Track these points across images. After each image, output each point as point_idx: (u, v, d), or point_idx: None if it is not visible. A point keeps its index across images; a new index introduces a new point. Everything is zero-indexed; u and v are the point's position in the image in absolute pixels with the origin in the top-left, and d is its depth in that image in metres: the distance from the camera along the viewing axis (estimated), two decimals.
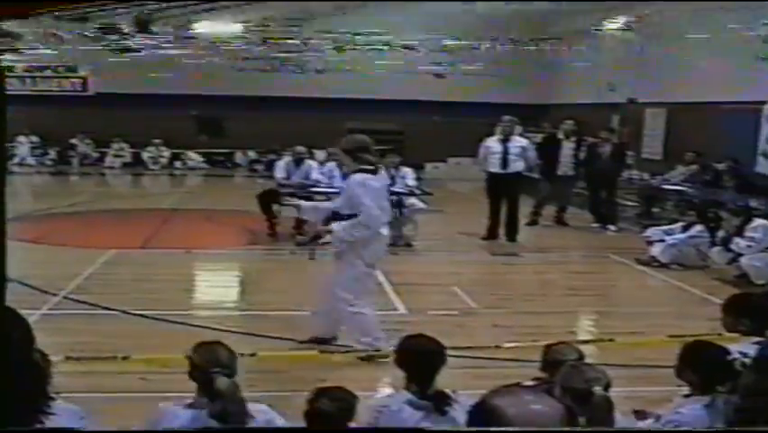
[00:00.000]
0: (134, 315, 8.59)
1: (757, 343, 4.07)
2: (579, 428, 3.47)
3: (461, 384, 4.39)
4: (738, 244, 11.24)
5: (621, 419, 4.16)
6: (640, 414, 4.63)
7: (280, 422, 4.08)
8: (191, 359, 4.07)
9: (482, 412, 1.91)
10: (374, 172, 7.40)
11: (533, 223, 15.89)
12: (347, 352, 7.24)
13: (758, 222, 11.41)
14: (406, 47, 22.13)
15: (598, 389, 3.64)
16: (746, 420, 2.07)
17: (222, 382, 3.84)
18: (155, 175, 24.92)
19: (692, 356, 4.25)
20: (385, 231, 7.57)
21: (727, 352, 4.07)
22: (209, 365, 3.95)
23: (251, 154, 26.09)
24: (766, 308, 5.23)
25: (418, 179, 14.80)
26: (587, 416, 3.46)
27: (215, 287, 10.97)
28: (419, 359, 4.39)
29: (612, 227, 15.69)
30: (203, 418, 3.85)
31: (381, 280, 10.56)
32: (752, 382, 2.07)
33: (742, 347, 4.23)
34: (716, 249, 11.78)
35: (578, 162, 16.44)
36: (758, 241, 11.12)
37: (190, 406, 3.96)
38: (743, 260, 11.15)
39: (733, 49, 15.26)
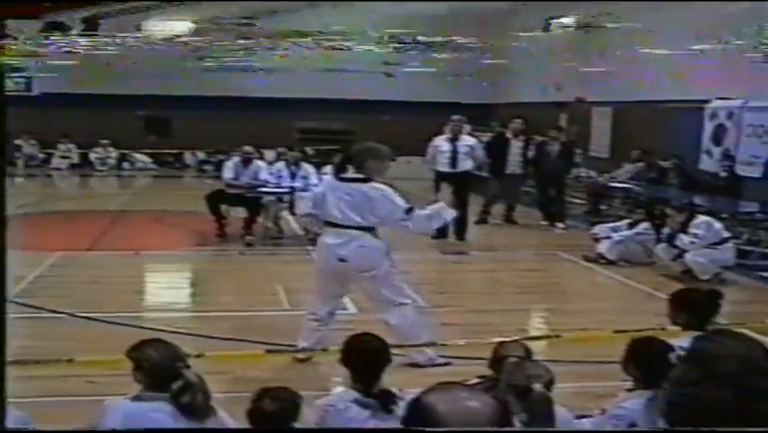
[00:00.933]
0: (82, 318, 8.51)
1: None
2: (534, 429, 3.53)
3: (410, 383, 4.40)
4: (682, 240, 11.40)
5: (565, 414, 4.22)
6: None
7: (231, 421, 4.10)
8: (144, 358, 4.08)
9: (416, 409, 1.93)
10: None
11: (482, 221, 15.98)
12: (295, 351, 7.24)
13: (701, 219, 11.58)
14: (354, 46, 22.13)
15: (537, 386, 3.69)
16: (675, 412, 2.11)
17: (192, 374, 3.95)
18: (103, 176, 24.67)
19: (635, 351, 4.33)
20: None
21: (670, 347, 4.14)
22: (172, 361, 4.03)
23: (200, 155, 25.92)
24: (704, 303, 5.35)
25: None
26: (527, 412, 3.52)
27: (164, 288, 10.91)
28: (364, 358, 4.43)
29: (560, 225, 15.83)
30: (154, 408, 3.87)
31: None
32: (680, 373, 2.11)
33: (682, 342, 4.31)
34: (661, 246, 11.94)
35: (526, 161, 16.56)
36: (701, 237, 11.29)
37: (136, 399, 3.98)
38: (687, 256, 11.31)
39: (678, 48, 15.48)
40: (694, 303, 5.35)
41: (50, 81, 23.80)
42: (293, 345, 7.41)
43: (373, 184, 7.21)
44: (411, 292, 7.70)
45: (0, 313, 2.04)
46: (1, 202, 1.99)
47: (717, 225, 11.58)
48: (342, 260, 7.06)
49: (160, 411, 3.88)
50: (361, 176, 7.22)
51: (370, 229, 7.16)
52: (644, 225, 12.65)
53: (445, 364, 7.21)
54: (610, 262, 12.27)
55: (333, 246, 7.10)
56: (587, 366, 6.76)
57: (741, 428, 1.97)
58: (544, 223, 16.12)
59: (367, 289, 7.40)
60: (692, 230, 11.34)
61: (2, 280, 1.99)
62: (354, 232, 7.08)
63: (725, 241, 11.45)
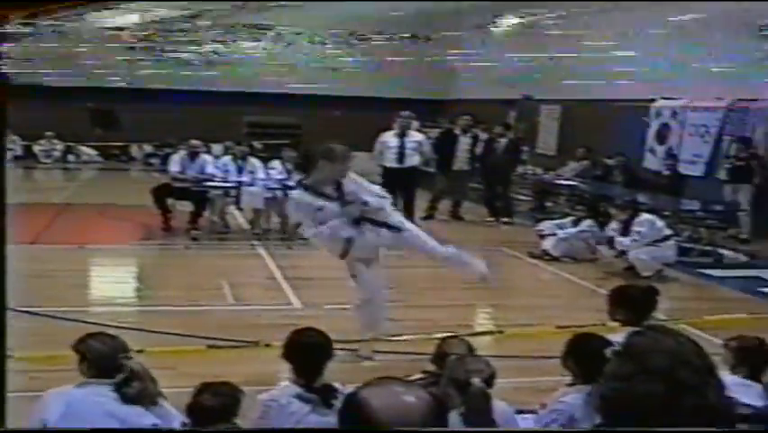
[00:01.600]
0: (23, 312, 8.39)
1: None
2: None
3: (350, 378, 4.42)
4: (621, 243, 11.51)
5: (506, 409, 4.27)
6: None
7: (175, 412, 4.09)
8: (89, 350, 4.11)
9: (350, 403, 1.95)
10: None
11: (429, 217, 16.03)
12: (238, 347, 7.24)
13: (644, 216, 11.73)
14: (305, 41, 22.13)
15: (476, 380, 3.73)
16: (607, 406, 2.15)
17: (135, 364, 4.01)
18: (47, 169, 24.33)
19: (574, 347, 4.40)
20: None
21: (608, 342, 4.20)
22: (115, 352, 4.06)
23: (147, 148, 25.65)
24: (641, 300, 5.45)
25: None
26: (465, 406, 3.56)
27: (108, 283, 10.79)
28: (306, 353, 4.44)
29: (506, 221, 15.96)
30: (97, 393, 3.88)
31: (276, 275, 10.59)
32: (613, 368, 2.16)
33: (620, 337, 4.38)
34: (602, 246, 12.08)
35: (473, 157, 16.65)
36: (644, 235, 11.43)
37: (81, 386, 3.98)
38: (630, 253, 11.45)
39: (625, 48, 15.71)
40: (632, 300, 5.44)
41: None
42: (238, 341, 7.41)
43: None
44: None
45: (0, 314, 2.03)
46: (1, 202, 1.98)
47: (660, 222, 11.74)
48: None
49: (104, 396, 3.88)
50: None
51: None
52: (588, 223, 12.80)
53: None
54: (555, 259, 12.40)
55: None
56: (529, 361, 6.84)
57: (685, 429, 2.02)
58: (489, 219, 16.23)
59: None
60: (635, 228, 11.48)
61: (2, 280, 1.99)
62: None
63: (666, 238, 11.61)
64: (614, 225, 11.89)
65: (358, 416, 1.90)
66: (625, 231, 11.60)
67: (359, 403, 1.91)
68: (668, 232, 11.74)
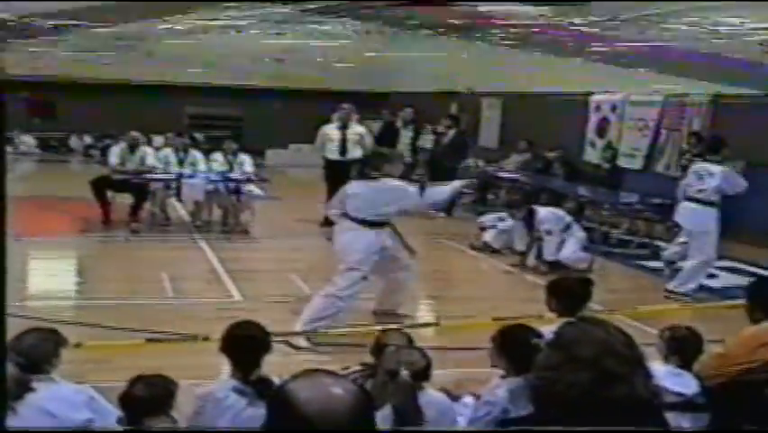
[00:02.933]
0: None
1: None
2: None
3: (289, 370, 4.40)
4: (547, 251, 11.53)
5: (442, 399, 4.31)
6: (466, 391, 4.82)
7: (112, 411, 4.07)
8: (27, 347, 4.07)
9: (277, 395, 1.96)
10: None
11: None
12: (176, 341, 7.19)
13: (543, 211, 11.76)
14: (245, 31, 21.93)
15: (404, 373, 3.77)
16: (538, 396, 2.19)
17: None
18: None
19: (503, 339, 4.44)
20: None
21: (537, 334, 4.26)
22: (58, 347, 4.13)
23: (87, 139, 25.32)
24: (577, 291, 5.54)
25: (258, 165, 14.74)
26: (393, 397, 3.59)
27: (46, 276, 10.63)
28: (243, 346, 4.44)
29: (442, 214, 16.04)
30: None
31: (217, 268, 10.54)
32: (543, 358, 2.20)
33: (555, 328, 4.43)
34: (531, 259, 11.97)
35: (415, 150, 16.72)
36: (553, 231, 11.45)
37: None
38: (560, 255, 11.43)
39: (563, 41, 15.86)
40: (567, 290, 5.52)
41: None
42: (177, 334, 7.37)
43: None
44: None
45: (0, 315, 1.99)
46: (2, 202, 1.94)
47: (560, 212, 11.84)
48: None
49: (34, 391, 3.86)
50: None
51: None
52: None
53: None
54: (495, 251, 12.48)
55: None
56: (467, 353, 6.88)
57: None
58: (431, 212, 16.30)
59: None
60: (544, 225, 11.50)
61: (2, 281, 1.95)
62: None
63: (569, 226, 11.61)
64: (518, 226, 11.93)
65: (284, 407, 1.91)
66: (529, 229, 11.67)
67: (285, 395, 1.92)
68: (569, 218, 11.76)
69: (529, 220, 11.62)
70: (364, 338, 6.50)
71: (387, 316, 8.34)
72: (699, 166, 10.16)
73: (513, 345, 4.33)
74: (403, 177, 16.47)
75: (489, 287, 10.82)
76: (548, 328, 4.39)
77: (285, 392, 1.93)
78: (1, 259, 1.94)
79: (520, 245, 11.90)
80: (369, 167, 8.34)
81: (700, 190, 9.91)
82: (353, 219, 8.01)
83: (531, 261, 11.62)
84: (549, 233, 11.39)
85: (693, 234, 10.13)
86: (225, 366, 4.57)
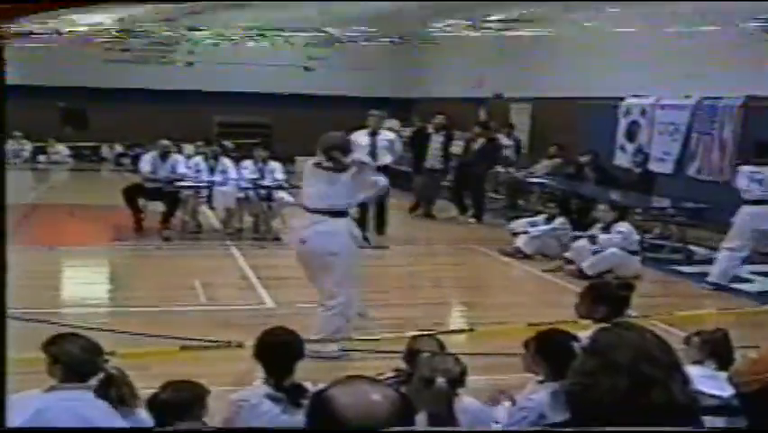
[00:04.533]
0: None
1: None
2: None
3: (324, 377, 4.42)
4: (602, 238, 11.48)
5: (478, 405, 4.29)
6: (504, 394, 4.79)
7: (149, 419, 4.07)
8: (62, 352, 4.01)
9: (318, 401, 1.96)
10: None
11: (414, 209, 16.22)
12: (211, 348, 7.22)
13: (625, 225, 11.73)
14: (277, 39, 22.01)
15: (440, 380, 3.75)
16: (574, 402, 2.18)
17: (114, 368, 3.95)
18: (16, 169, 24.10)
19: (541, 344, 4.42)
20: None
21: (575, 338, 4.23)
22: (91, 355, 3.99)
23: (118, 148, 25.51)
24: (617, 296, 5.48)
25: (288, 172, 14.79)
26: (428, 405, 3.58)
27: (79, 284, 10.72)
28: (276, 352, 4.44)
29: (472, 219, 16.04)
30: (73, 397, 3.82)
31: (249, 275, 10.56)
32: (579, 364, 2.19)
33: (589, 334, 4.41)
34: (580, 243, 11.90)
35: (446, 156, 16.72)
36: (624, 236, 11.41)
37: (51, 390, 3.91)
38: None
39: (594, 46, 15.81)
40: (608, 296, 5.46)
41: None
42: (210, 341, 7.40)
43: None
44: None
45: (0, 316, 2.01)
46: (1, 202, 1.97)
47: (635, 236, 11.74)
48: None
49: (79, 401, 3.81)
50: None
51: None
52: (560, 221, 12.86)
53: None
54: (527, 257, 12.44)
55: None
56: (502, 358, 6.85)
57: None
58: (460, 217, 16.30)
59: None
60: (617, 228, 11.48)
61: (2, 281, 1.97)
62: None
63: (634, 253, 11.59)
64: (599, 225, 11.85)
65: (324, 414, 1.91)
66: (606, 231, 11.59)
67: (325, 401, 1.93)
68: (637, 248, 11.74)
69: (612, 224, 11.57)
70: (392, 345, 6.54)
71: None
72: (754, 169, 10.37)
73: (551, 350, 4.30)
74: (434, 183, 16.68)
75: (521, 293, 10.79)
76: (585, 334, 4.37)
77: (325, 399, 1.93)
78: (1, 259, 1.95)
79: (565, 252, 11.91)
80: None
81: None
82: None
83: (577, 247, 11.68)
84: (621, 234, 11.35)
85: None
86: (259, 373, 4.58)
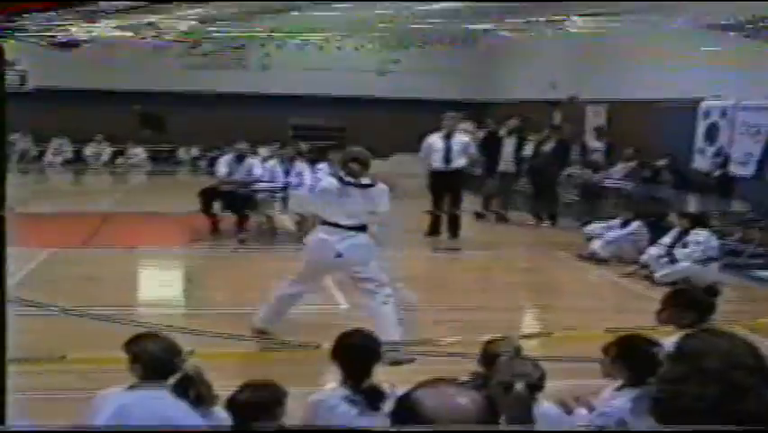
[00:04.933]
0: (74, 314, 8.51)
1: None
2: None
3: (400, 379, 4.42)
4: (680, 252, 11.25)
5: (556, 412, 4.24)
6: (581, 400, 4.72)
7: (227, 417, 4.10)
8: (143, 351, 4.08)
9: (404, 404, 1.95)
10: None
11: (481, 216, 16.09)
12: (289, 349, 7.28)
13: (702, 232, 11.45)
14: (347, 43, 22.10)
15: (519, 385, 3.71)
16: (661, 409, 2.14)
17: (193, 367, 4.01)
18: (97, 172, 24.61)
19: (623, 349, 4.34)
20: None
21: (657, 344, 4.16)
22: (170, 355, 4.05)
23: (194, 151, 25.87)
24: (703, 301, 5.37)
25: None
26: (506, 409, 3.54)
27: (157, 285, 10.90)
28: (354, 354, 4.43)
29: (548, 222, 15.91)
30: (153, 396, 3.87)
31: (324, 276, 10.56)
32: (666, 371, 2.14)
33: (673, 340, 4.32)
34: (654, 251, 11.71)
35: (519, 159, 16.62)
36: (696, 251, 11.18)
37: (132, 388, 3.97)
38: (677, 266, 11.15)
39: (671, 47, 15.54)
40: (694, 302, 5.34)
41: (45, 76, 23.76)
42: (288, 342, 7.46)
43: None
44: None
45: (1, 317, 2.06)
46: (1, 202, 2.01)
47: (715, 242, 11.49)
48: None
49: (159, 399, 3.87)
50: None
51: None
52: (636, 224, 12.67)
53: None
54: (602, 261, 12.29)
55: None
56: (578, 364, 6.77)
57: (726, 427, 2.00)
58: (530, 222, 16.19)
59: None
60: (692, 238, 11.25)
61: (2, 282, 2.01)
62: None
63: (714, 259, 11.36)
64: (672, 234, 11.65)
65: (410, 417, 1.90)
66: (680, 240, 11.37)
67: (412, 404, 1.91)
68: (717, 254, 11.49)
69: (686, 232, 11.37)
70: (467, 348, 6.50)
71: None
72: None
73: (633, 356, 4.23)
74: (507, 187, 16.59)
75: (597, 297, 10.64)
76: (667, 340, 4.29)
77: (411, 401, 1.92)
78: (1, 259, 1.98)
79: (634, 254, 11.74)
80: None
81: None
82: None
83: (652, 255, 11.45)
84: (698, 243, 11.15)
85: None
86: (333, 375, 4.59)
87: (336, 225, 7.60)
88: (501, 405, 3.63)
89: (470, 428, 1.87)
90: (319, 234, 7.72)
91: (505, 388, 3.69)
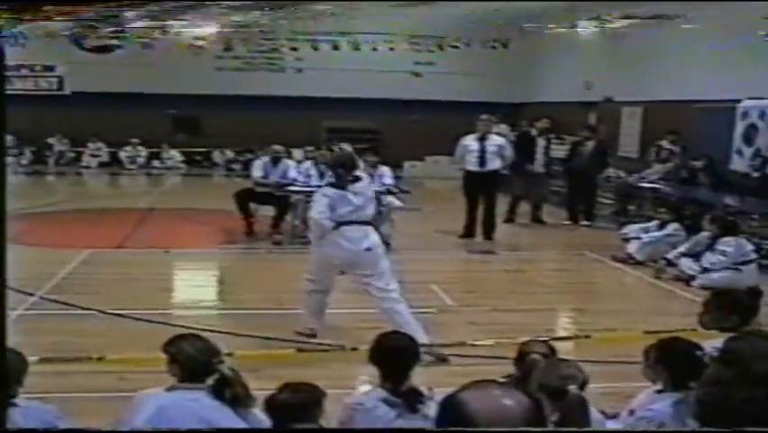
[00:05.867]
0: (111, 314, 8.57)
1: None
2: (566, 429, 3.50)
3: (437, 382, 4.40)
4: (708, 259, 11.12)
5: (596, 415, 4.19)
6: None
7: (265, 419, 4.10)
8: (180, 352, 4.10)
9: (450, 406, 1.93)
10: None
11: (509, 220, 15.95)
12: (325, 351, 7.29)
13: (733, 239, 11.31)
14: (381, 46, 22.19)
15: (573, 387, 3.65)
16: (706, 412, 2.11)
17: (227, 368, 3.99)
18: (132, 174, 24.79)
19: (665, 352, 4.28)
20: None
21: (699, 347, 4.10)
22: (207, 356, 4.05)
23: (229, 153, 25.99)
24: (747, 303, 5.30)
25: (396, 177, 14.82)
26: (561, 414, 3.48)
27: (193, 286, 10.96)
28: (393, 356, 4.41)
29: (585, 223, 15.83)
30: (191, 398, 3.88)
31: (357, 279, 10.56)
32: (713, 374, 2.11)
33: (716, 343, 4.27)
34: (685, 259, 11.58)
35: (550, 160, 16.56)
36: (729, 255, 10.93)
37: (171, 389, 3.99)
38: (713, 275, 10.99)
39: (708, 47, 15.42)
40: (735, 303, 5.27)
41: (82, 80, 24.01)
42: (324, 344, 7.48)
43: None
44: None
45: (1, 315, 2.05)
46: (1, 202, 2.00)
47: (748, 246, 11.31)
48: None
49: (195, 401, 3.89)
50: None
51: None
52: (673, 226, 12.54)
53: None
54: (638, 263, 12.19)
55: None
56: (615, 367, 6.72)
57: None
58: (566, 222, 16.11)
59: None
60: (721, 247, 11.12)
61: (2, 280, 2.00)
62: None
63: (750, 262, 11.21)
64: (699, 240, 11.53)
65: (455, 418, 1.88)
66: (709, 252, 11.25)
67: (457, 405, 1.89)
68: (753, 256, 11.34)
69: (716, 239, 11.25)
70: (501, 350, 6.48)
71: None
72: None
73: (674, 359, 4.17)
74: (541, 187, 16.51)
75: (633, 299, 10.54)
76: (709, 343, 4.24)
77: (456, 402, 1.91)
78: (1, 257, 1.97)
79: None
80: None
81: None
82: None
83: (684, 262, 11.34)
84: (724, 253, 10.99)
85: None
86: (365, 377, 4.58)
87: (352, 223, 7.83)
88: (549, 409, 3.58)
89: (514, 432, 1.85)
90: (345, 233, 7.82)
91: (554, 392, 3.63)
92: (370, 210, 8.03)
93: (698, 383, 3.36)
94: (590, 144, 16.50)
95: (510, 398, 1.89)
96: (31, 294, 9.26)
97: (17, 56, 22.33)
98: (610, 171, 17.38)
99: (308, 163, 14.37)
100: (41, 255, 11.95)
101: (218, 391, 3.92)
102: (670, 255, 11.66)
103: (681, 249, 11.65)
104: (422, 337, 7.00)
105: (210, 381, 3.97)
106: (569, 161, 16.71)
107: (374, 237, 7.94)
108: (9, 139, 24.98)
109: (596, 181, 16.62)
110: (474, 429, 1.84)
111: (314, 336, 7.90)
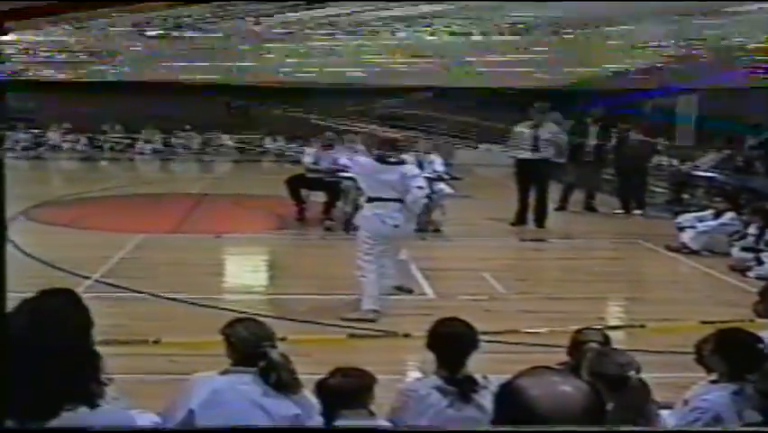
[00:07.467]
0: (165, 298, 8.65)
1: None
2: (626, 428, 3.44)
3: (489, 369, 4.37)
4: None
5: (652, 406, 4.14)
6: None
7: (314, 400, 4.10)
8: (234, 335, 4.11)
9: (508, 393, 1.91)
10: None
11: (561, 208, 15.84)
12: (377, 337, 7.30)
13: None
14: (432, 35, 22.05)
15: (632, 374, 3.60)
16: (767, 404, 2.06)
17: (276, 353, 3.98)
18: (185, 161, 25.00)
19: (723, 343, 4.20)
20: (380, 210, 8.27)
21: (760, 340, 4.03)
22: (259, 339, 4.05)
23: (279, 140, 26.11)
24: None
25: (448, 164, 14.77)
26: (620, 402, 3.43)
27: (245, 271, 11.03)
28: (451, 343, 4.34)
29: (639, 212, 15.67)
30: (242, 382, 3.90)
31: (410, 265, 10.58)
32: None
33: None
34: (739, 251, 11.43)
35: (604, 148, 16.40)
36: None
37: (224, 372, 4.01)
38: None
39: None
40: None
41: (137, 68, 24.19)
42: (377, 330, 7.48)
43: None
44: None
45: (0, 312, 2.05)
46: (1, 198, 2.01)
47: None
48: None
49: (247, 384, 3.90)
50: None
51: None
52: (729, 216, 12.34)
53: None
54: (693, 252, 12.02)
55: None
56: (670, 357, 6.64)
57: None
58: (618, 211, 15.96)
59: None
60: None
61: (2, 279, 2.01)
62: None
63: None
64: (751, 230, 11.37)
65: (514, 405, 1.86)
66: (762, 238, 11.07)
67: (516, 392, 1.87)
68: None
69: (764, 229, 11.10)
70: (552, 339, 6.44)
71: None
72: None
73: (734, 349, 4.09)
74: (595, 176, 16.37)
75: (688, 289, 10.40)
76: (764, 333, 4.16)
77: (514, 389, 1.88)
78: (1, 256, 1.97)
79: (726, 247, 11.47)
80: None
81: None
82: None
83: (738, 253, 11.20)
84: None
85: None
86: (425, 363, 4.55)
87: (381, 200, 8.29)
88: (607, 397, 3.53)
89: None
90: (374, 210, 8.32)
91: (615, 380, 3.58)
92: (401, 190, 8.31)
93: (758, 375, 3.30)
94: (633, 133, 16.33)
95: (569, 384, 1.87)
96: (87, 277, 9.38)
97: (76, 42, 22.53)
98: (663, 160, 17.18)
99: (360, 149, 14.36)
100: (96, 239, 12.11)
101: (265, 375, 3.93)
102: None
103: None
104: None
105: (261, 364, 3.98)
106: (617, 149, 16.53)
107: (400, 215, 8.34)
108: (66, 126, 25.34)
109: (645, 170, 16.42)
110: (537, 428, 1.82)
111: (373, 320, 7.92)
